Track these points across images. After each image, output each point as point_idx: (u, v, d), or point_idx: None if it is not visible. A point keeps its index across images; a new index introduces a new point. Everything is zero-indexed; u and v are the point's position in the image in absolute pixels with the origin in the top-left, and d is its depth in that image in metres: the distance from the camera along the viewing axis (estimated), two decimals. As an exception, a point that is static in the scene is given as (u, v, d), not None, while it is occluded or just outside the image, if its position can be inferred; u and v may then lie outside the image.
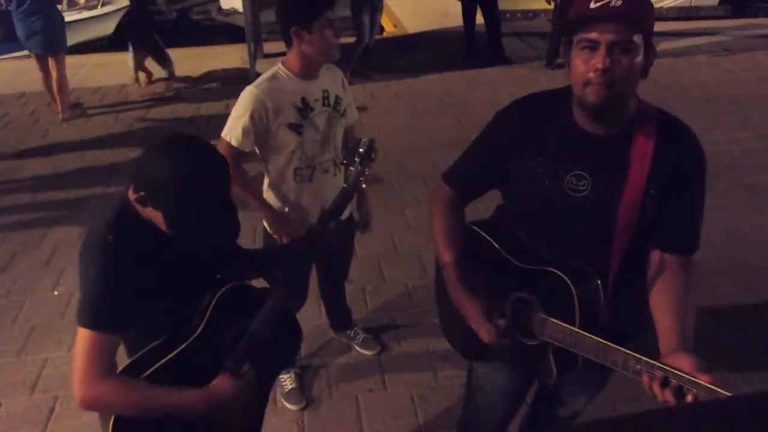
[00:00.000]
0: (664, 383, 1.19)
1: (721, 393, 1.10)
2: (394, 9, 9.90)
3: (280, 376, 2.69)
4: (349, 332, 2.99)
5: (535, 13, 9.37)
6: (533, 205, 1.49)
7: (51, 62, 5.55)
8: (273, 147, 2.19)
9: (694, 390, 1.15)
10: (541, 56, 7.08)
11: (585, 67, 1.29)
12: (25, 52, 6.61)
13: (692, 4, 9.41)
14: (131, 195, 1.36)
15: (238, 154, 2.16)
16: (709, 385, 1.12)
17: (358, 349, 2.96)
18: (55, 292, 3.40)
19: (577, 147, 1.41)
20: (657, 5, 9.26)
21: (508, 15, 8.69)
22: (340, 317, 2.99)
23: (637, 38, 1.26)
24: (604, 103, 1.30)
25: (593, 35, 1.26)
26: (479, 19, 7.11)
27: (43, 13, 5.33)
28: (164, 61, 6.47)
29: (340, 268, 2.79)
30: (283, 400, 2.68)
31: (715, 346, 2.94)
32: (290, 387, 2.71)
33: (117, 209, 1.39)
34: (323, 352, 2.96)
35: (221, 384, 1.43)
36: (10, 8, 5.62)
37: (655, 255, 1.44)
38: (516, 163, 1.49)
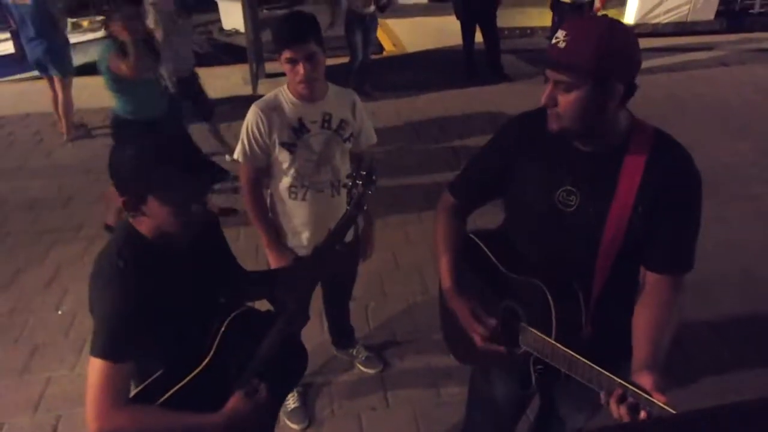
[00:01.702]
0: (621, 399, 1.21)
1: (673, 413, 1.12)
2: (393, 28, 10.02)
3: None
4: (351, 350, 3.00)
5: (533, 31, 9.48)
6: (528, 217, 1.54)
7: (57, 83, 5.66)
8: (270, 163, 2.25)
9: (648, 408, 1.17)
10: (540, 73, 7.14)
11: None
12: (31, 74, 6.73)
13: (688, 19, 9.51)
14: (122, 205, 1.37)
15: (252, 171, 2.26)
16: (664, 405, 1.14)
17: (360, 367, 2.97)
18: (59, 312, 3.41)
19: (569, 163, 1.45)
20: (653, 21, 9.38)
21: (506, 32, 8.78)
22: (342, 335, 3.00)
23: (576, 77, 1.29)
24: (558, 131, 1.38)
25: (546, 72, 1.35)
26: (478, 37, 7.20)
27: (44, 36, 5.43)
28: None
29: (343, 289, 2.81)
30: (286, 419, 2.68)
31: (715, 357, 2.95)
32: (293, 406, 2.71)
33: (123, 235, 1.41)
34: (326, 370, 2.96)
35: (237, 404, 1.44)
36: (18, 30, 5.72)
37: (644, 273, 1.46)
38: (514, 175, 1.54)
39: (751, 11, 10.13)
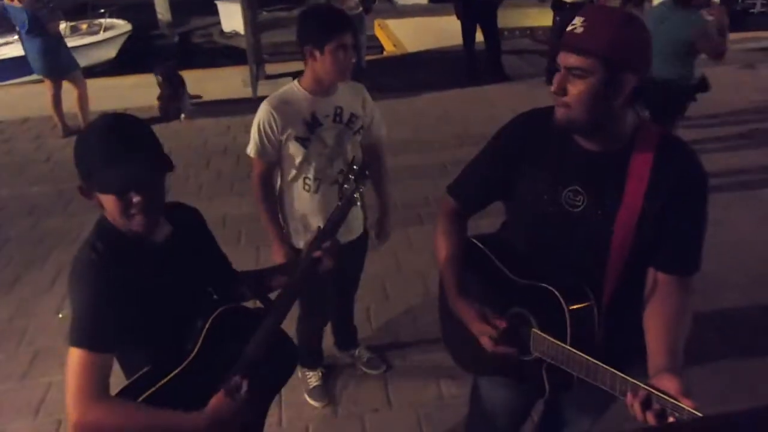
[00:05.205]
0: (646, 405, 1.18)
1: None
2: (394, 29, 10.02)
3: (306, 373, 2.80)
4: (353, 351, 2.99)
5: (533, 31, 9.48)
6: (532, 219, 1.51)
7: (68, 83, 5.82)
8: (283, 157, 2.28)
9: (676, 414, 1.14)
10: (541, 73, 7.13)
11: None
12: (33, 77, 6.80)
13: (689, 19, 9.49)
14: (84, 193, 1.38)
15: (264, 165, 2.29)
16: (692, 410, 1.11)
17: (363, 368, 2.95)
18: (60, 315, 3.40)
19: (575, 163, 1.43)
20: (654, 21, 9.36)
21: (506, 33, 8.77)
22: (345, 336, 2.99)
23: (591, 63, 1.27)
24: (563, 123, 1.35)
25: (559, 59, 1.33)
26: (479, 37, 7.19)
27: (35, 38, 5.50)
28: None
29: (350, 280, 2.81)
30: (307, 396, 2.77)
31: (720, 359, 2.92)
32: (315, 384, 2.79)
33: (97, 229, 1.41)
34: (328, 371, 2.95)
35: (219, 403, 1.40)
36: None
37: (652, 274, 1.43)
38: (517, 176, 1.51)
39: (752, 11, 10.13)
